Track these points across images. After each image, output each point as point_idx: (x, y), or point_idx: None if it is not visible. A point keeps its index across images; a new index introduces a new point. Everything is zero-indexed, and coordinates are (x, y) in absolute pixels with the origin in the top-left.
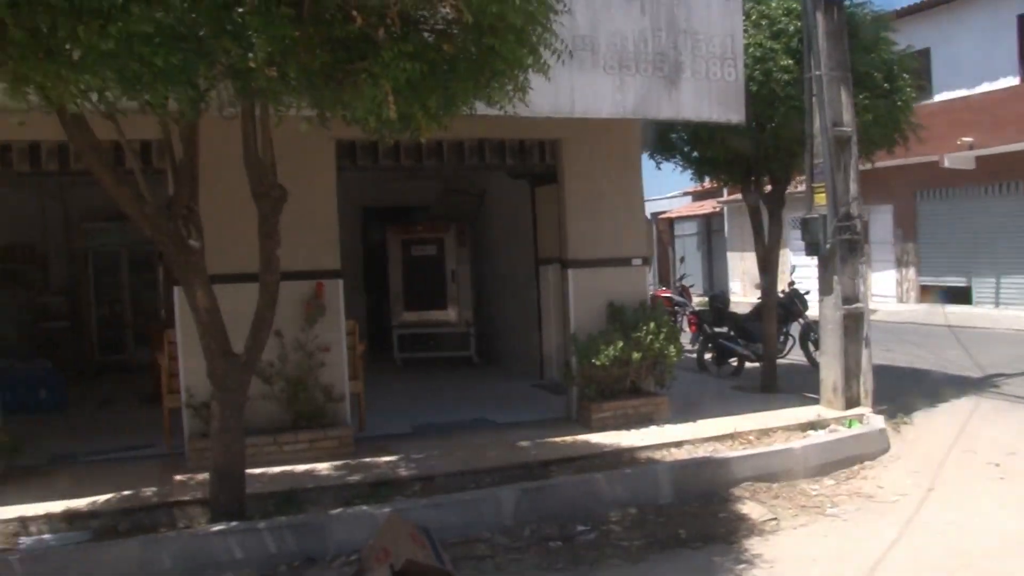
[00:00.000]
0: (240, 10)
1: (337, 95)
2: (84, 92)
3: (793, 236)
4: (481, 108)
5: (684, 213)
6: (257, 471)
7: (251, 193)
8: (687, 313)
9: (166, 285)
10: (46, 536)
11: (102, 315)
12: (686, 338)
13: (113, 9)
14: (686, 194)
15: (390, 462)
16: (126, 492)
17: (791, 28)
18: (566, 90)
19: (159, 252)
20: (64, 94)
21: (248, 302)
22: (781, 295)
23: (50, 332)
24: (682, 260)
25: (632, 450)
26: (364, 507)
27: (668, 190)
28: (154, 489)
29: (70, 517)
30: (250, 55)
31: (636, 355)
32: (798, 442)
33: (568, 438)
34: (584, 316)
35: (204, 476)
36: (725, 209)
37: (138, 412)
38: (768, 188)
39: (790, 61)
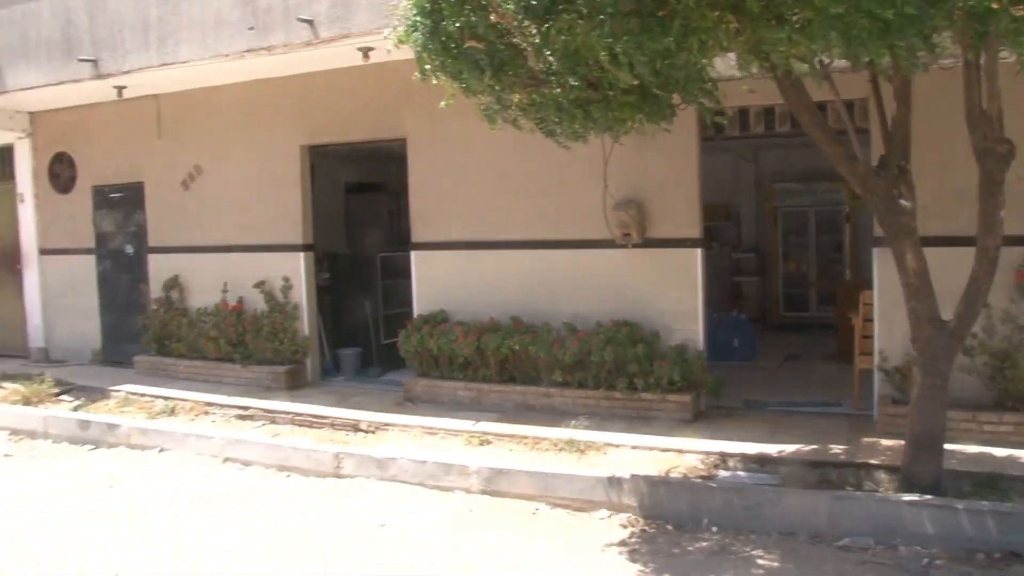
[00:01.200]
0: None
1: None
2: (806, 56)
3: None
4: None
5: None
6: (951, 447)
7: (972, 149)
8: None
9: (852, 246)
10: (740, 473)
11: (788, 272)
12: None
13: None
14: None
15: None
16: (813, 446)
17: None
18: None
19: (847, 214)
20: (788, 59)
21: (955, 267)
22: None
23: (740, 286)
24: None
25: None
26: None
27: None
28: (841, 447)
29: (761, 460)
30: None
31: None
32: None
33: None
34: None
35: (892, 441)
36: None
37: (822, 369)
38: None
39: None
